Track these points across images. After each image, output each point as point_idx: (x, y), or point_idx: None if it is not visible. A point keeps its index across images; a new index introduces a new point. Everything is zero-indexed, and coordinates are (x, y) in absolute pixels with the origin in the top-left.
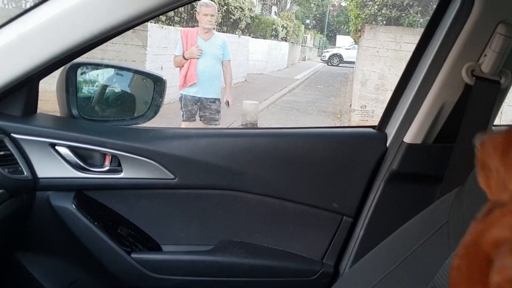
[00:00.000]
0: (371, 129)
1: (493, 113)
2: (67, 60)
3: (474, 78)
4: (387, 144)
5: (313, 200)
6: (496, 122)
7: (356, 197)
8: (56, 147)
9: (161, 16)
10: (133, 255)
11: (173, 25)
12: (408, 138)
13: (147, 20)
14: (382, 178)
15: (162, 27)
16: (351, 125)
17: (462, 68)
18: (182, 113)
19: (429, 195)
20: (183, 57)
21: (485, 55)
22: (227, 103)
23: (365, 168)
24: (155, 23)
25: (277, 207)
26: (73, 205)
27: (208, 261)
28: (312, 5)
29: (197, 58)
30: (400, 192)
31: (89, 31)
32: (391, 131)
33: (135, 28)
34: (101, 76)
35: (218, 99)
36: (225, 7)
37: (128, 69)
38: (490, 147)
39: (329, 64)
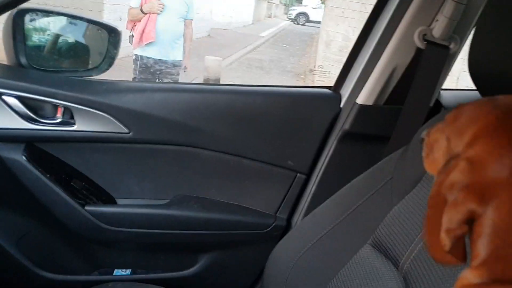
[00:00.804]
0: (326, 90)
1: (441, 77)
2: (12, 5)
3: (425, 42)
4: (341, 105)
5: (269, 157)
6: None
7: (310, 155)
8: (3, 97)
9: None
10: (87, 208)
11: None
12: (360, 99)
13: None
14: (335, 137)
15: None
16: (316, 83)
17: (415, 32)
18: (135, 77)
19: (378, 154)
20: (141, 10)
21: (437, 20)
22: (185, 68)
23: (319, 128)
24: None
25: (233, 164)
26: (24, 157)
27: (163, 215)
28: None
29: (158, 14)
30: (351, 151)
31: None
32: (345, 92)
33: None
34: (53, 25)
35: (179, 63)
36: None
37: (81, 18)
38: (440, 126)
39: (295, 22)
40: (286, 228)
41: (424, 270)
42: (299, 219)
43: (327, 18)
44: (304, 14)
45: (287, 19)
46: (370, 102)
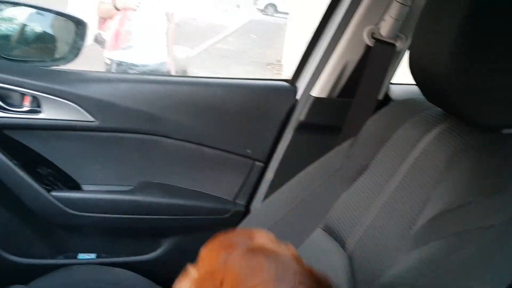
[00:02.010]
0: (284, 82)
1: (389, 72)
2: None
3: (373, 40)
4: (297, 97)
5: (228, 146)
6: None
7: (267, 144)
8: None
9: None
10: (53, 193)
11: None
12: (315, 92)
13: None
14: (291, 127)
15: None
16: (282, 77)
17: (364, 30)
18: None
19: (330, 144)
20: (114, 6)
21: (384, 20)
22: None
23: (276, 118)
24: None
25: (194, 152)
26: None
27: (127, 200)
28: None
29: (135, 10)
30: (306, 140)
31: None
32: (301, 84)
33: None
34: (21, 15)
35: (163, 66)
36: None
37: (49, 10)
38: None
39: (263, 13)
40: (245, 213)
41: (367, 250)
42: (257, 205)
43: (295, 10)
44: (272, 5)
45: (256, 9)
46: (324, 95)
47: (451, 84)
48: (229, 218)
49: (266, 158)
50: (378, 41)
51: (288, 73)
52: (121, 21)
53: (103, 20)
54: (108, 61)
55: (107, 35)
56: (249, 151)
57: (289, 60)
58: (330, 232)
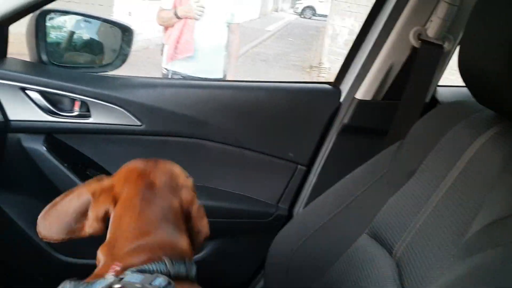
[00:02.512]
0: (327, 85)
1: (436, 74)
2: (39, 6)
3: (420, 41)
4: (341, 100)
5: (271, 149)
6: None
7: (310, 147)
8: (27, 91)
9: None
10: None
11: None
12: (359, 94)
13: None
14: (334, 131)
15: None
16: (321, 79)
17: (410, 31)
18: None
19: (375, 147)
20: (175, 14)
21: (431, 21)
22: None
23: (319, 121)
24: None
25: (237, 155)
26: (44, 147)
27: None
28: None
29: (197, 19)
30: (350, 144)
31: None
32: (345, 87)
33: None
34: (70, 23)
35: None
36: None
37: (97, 18)
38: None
39: (301, 16)
40: (288, 217)
41: (416, 257)
42: (300, 209)
43: (334, 12)
44: (310, 7)
45: (294, 13)
46: (368, 97)
47: (506, 84)
48: (271, 222)
49: (309, 162)
50: (425, 42)
51: (328, 76)
52: (181, 30)
53: (166, 28)
54: (165, 71)
55: (166, 44)
56: (291, 154)
57: (330, 63)
58: (377, 238)
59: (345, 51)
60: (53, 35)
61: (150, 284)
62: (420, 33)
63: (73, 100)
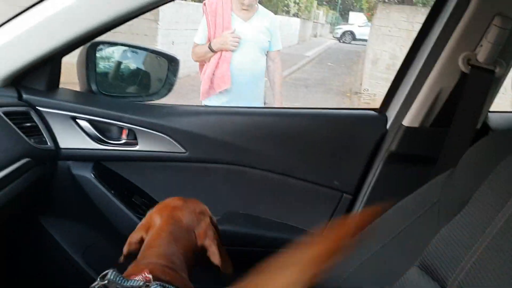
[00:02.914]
0: (372, 112)
1: (487, 100)
2: (90, 39)
3: (470, 66)
4: (387, 126)
5: (315, 177)
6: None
7: (356, 175)
8: (77, 120)
9: None
10: None
11: (186, 0)
12: (407, 121)
13: (166, 3)
14: (381, 158)
15: (174, 1)
16: (362, 104)
17: (459, 56)
18: None
19: (424, 175)
20: (209, 48)
21: (481, 45)
22: None
23: (365, 149)
24: None
25: (280, 183)
26: (92, 174)
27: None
28: None
29: (233, 51)
30: (397, 172)
31: (113, 12)
32: (391, 114)
33: None
34: (118, 54)
35: None
36: None
37: (145, 49)
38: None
39: (341, 41)
40: None
41: None
42: None
43: (374, 37)
44: (350, 32)
45: (333, 38)
46: (416, 124)
47: None
48: None
49: (355, 191)
50: (475, 67)
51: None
52: (217, 63)
53: (202, 64)
54: None
55: (202, 79)
56: (336, 182)
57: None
58: (428, 270)
59: (386, 75)
60: (102, 66)
61: None
62: (470, 58)
63: (120, 128)
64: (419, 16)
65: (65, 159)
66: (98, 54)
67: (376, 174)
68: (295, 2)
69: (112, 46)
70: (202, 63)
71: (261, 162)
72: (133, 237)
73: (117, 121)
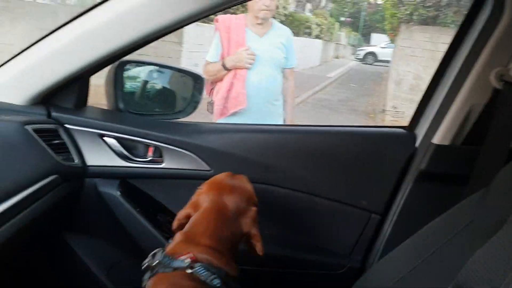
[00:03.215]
0: (401, 129)
1: None
2: (118, 58)
3: (502, 82)
4: (416, 145)
5: (342, 196)
6: None
7: (385, 195)
8: (104, 138)
9: None
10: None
11: (209, 23)
12: (437, 139)
13: (194, 22)
14: (410, 177)
15: (197, 24)
16: (388, 123)
17: (491, 72)
18: None
19: (455, 195)
20: (223, 65)
21: None
22: None
23: (394, 167)
24: None
25: (306, 202)
26: (118, 192)
27: (239, 250)
28: (348, 2)
29: (248, 68)
30: (427, 191)
31: (140, 32)
32: (420, 131)
33: None
34: (144, 73)
35: None
36: None
37: (171, 67)
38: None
39: (363, 62)
40: (361, 270)
41: None
42: (374, 261)
43: (397, 58)
44: (372, 53)
45: (355, 59)
46: (446, 142)
47: None
48: (344, 274)
49: (384, 210)
50: (508, 83)
51: (393, 122)
52: (231, 82)
53: (213, 83)
54: None
55: (216, 99)
56: (364, 202)
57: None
58: None
59: (410, 96)
60: (129, 85)
61: (211, 281)
62: (503, 74)
63: (147, 146)
64: (443, 36)
65: (92, 177)
66: (125, 73)
67: (405, 194)
68: (317, 24)
69: (139, 65)
70: (211, 82)
71: (286, 180)
72: (181, 213)
73: (144, 138)
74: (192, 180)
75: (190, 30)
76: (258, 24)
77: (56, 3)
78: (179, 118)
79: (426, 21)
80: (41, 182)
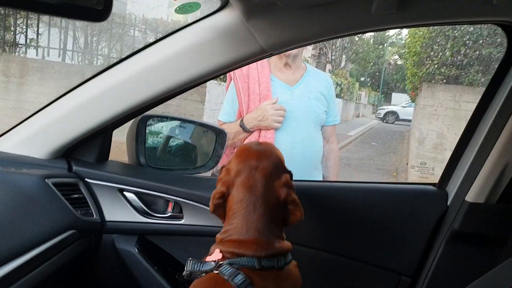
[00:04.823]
0: (431, 187)
1: None
2: (139, 113)
3: None
4: (448, 203)
5: (369, 257)
6: None
7: (415, 256)
8: (124, 193)
9: None
10: None
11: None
12: (470, 197)
13: (214, 78)
14: (443, 237)
15: (219, 83)
16: (416, 180)
17: None
18: None
19: (493, 257)
20: (241, 126)
21: None
22: None
23: (425, 227)
24: (213, 79)
25: (332, 263)
26: (136, 249)
27: None
28: (368, 63)
29: (276, 129)
30: (462, 252)
31: (162, 87)
32: (452, 189)
33: None
34: (166, 128)
35: None
36: None
37: (193, 122)
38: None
39: (384, 121)
40: None
41: None
42: None
43: (419, 116)
44: (393, 112)
45: (376, 118)
46: (481, 200)
47: None
48: None
49: (415, 273)
50: None
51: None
52: None
53: (230, 148)
54: None
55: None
56: (394, 264)
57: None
58: None
59: (434, 155)
60: (151, 139)
61: (232, 280)
62: None
63: (167, 201)
64: (466, 95)
65: (110, 232)
66: (148, 128)
67: (437, 255)
68: (337, 84)
69: (161, 120)
70: (230, 147)
71: (311, 239)
72: (215, 193)
73: (164, 193)
74: (212, 237)
75: (212, 89)
76: (286, 68)
77: (84, 63)
78: (200, 173)
79: (448, 80)
80: (58, 237)
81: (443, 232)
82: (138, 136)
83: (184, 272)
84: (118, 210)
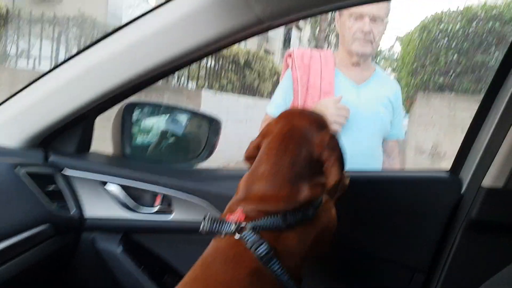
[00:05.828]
0: (443, 172)
1: None
2: (121, 97)
3: None
4: (462, 190)
5: (381, 251)
6: None
7: (429, 250)
8: (107, 185)
9: (214, 83)
10: None
11: (226, 92)
12: (487, 182)
13: (208, 55)
14: (458, 227)
15: (215, 93)
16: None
17: None
18: None
19: None
20: None
21: None
22: None
23: (438, 217)
24: (209, 89)
25: (344, 257)
26: (120, 248)
27: None
28: None
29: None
30: (480, 244)
31: (142, 67)
32: (466, 175)
33: (189, 96)
34: (154, 117)
35: None
36: None
37: (184, 110)
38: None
39: None
40: None
41: None
42: None
43: (415, 125)
44: None
45: None
46: (499, 185)
47: None
48: None
49: (429, 268)
50: None
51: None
52: None
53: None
54: None
55: None
56: (406, 258)
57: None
58: None
59: (430, 162)
60: (137, 128)
61: (256, 249)
62: None
63: (154, 194)
64: (460, 103)
65: (90, 230)
66: (134, 116)
67: (453, 248)
68: None
69: (149, 107)
70: None
71: None
72: (252, 143)
73: (152, 184)
74: (206, 235)
75: (207, 99)
76: (353, 64)
77: (36, 70)
78: (192, 165)
79: (442, 88)
80: (30, 231)
81: (458, 222)
82: (124, 125)
83: (200, 229)
84: (100, 205)
